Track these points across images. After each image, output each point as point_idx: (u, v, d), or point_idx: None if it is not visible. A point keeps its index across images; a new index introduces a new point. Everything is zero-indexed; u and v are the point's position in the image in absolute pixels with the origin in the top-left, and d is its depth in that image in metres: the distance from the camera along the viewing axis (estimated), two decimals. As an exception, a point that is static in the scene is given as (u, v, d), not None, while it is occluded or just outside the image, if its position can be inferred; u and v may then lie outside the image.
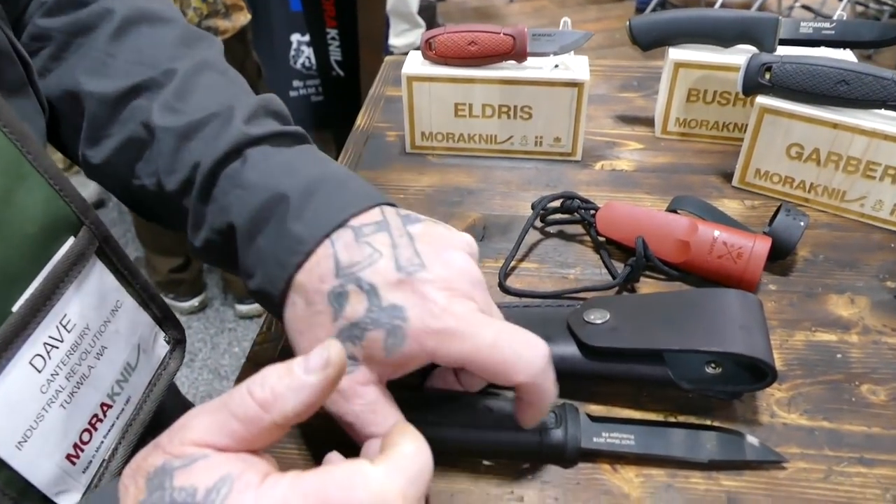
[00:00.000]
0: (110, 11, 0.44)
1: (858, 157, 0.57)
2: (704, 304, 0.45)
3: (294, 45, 2.46)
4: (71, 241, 0.37)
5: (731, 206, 0.62)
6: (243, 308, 1.92)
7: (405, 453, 0.29)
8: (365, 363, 0.35)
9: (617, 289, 0.53)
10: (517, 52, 0.64)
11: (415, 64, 0.66)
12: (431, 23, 3.35)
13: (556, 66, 0.65)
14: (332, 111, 2.42)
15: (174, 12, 0.48)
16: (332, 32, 2.24)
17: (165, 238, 1.79)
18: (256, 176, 0.38)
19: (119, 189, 0.46)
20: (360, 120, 0.77)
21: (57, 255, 0.35)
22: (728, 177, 0.65)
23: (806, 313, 0.51)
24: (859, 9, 3.14)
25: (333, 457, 0.33)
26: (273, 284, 0.36)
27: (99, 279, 0.39)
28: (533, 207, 0.58)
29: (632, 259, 0.52)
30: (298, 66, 2.49)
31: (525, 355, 0.34)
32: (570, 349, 0.44)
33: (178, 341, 0.47)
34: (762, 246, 0.51)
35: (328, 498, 0.26)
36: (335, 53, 2.29)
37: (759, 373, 0.42)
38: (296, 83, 2.54)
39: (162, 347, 0.46)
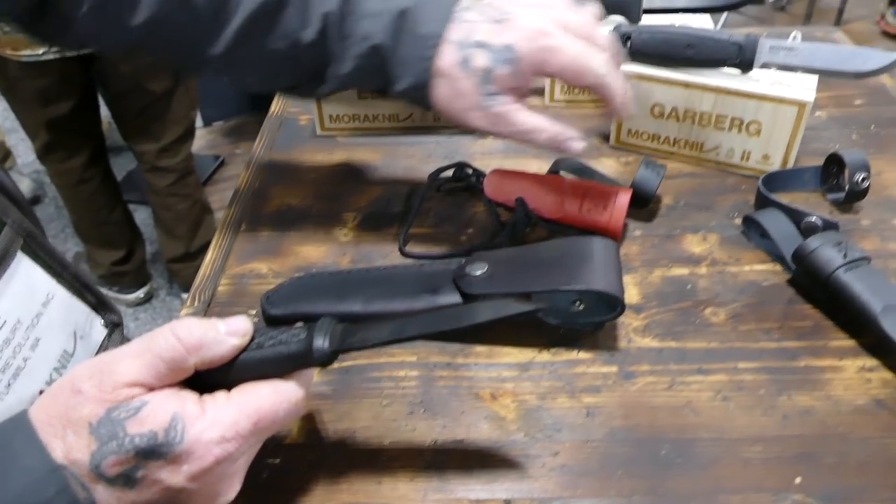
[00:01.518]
0: None
1: (709, 111, 0.65)
2: (569, 250, 0.52)
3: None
4: None
5: (608, 163, 0.70)
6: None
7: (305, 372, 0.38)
8: (504, 90, 0.49)
9: (503, 244, 0.59)
10: (407, 36, 0.69)
11: (315, 52, 0.71)
12: None
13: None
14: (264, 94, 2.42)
15: None
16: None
17: (105, 230, 1.79)
18: (375, 4, 0.50)
19: (250, 68, 0.53)
20: (275, 106, 0.82)
21: None
22: (607, 138, 0.72)
23: (664, 252, 0.59)
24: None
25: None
26: (422, 77, 0.49)
27: (27, 274, 0.43)
28: (429, 178, 0.65)
29: (513, 218, 0.59)
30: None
31: (591, 64, 0.48)
32: (454, 299, 0.51)
33: (115, 325, 0.52)
34: (623, 197, 0.59)
35: (264, 415, 0.35)
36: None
37: (613, 305, 0.49)
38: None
39: (99, 332, 0.50)
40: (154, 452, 0.33)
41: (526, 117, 0.51)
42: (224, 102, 2.62)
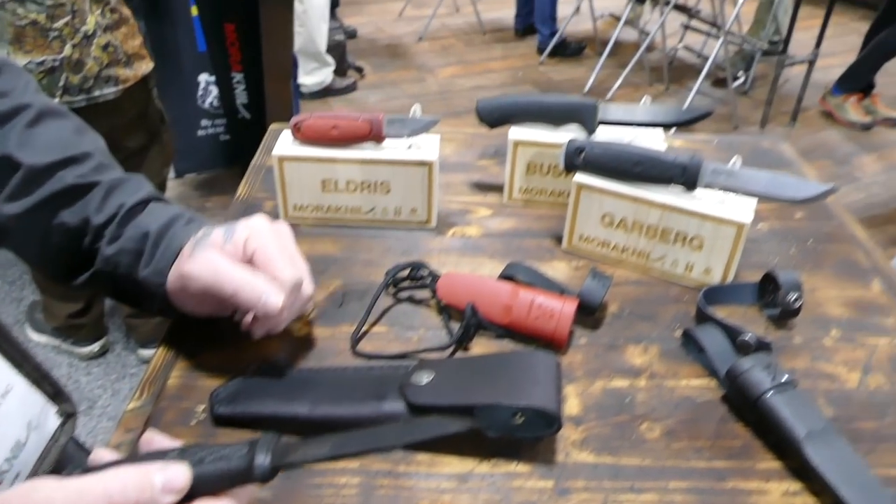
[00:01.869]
0: (27, 105, 0.58)
1: (655, 224, 0.69)
2: (512, 364, 0.54)
3: (202, 85, 2.49)
4: None
5: (559, 267, 0.73)
6: (147, 353, 1.92)
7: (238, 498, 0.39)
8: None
9: (453, 348, 0.61)
10: (374, 135, 0.73)
11: (286, 144, 0.74)
12: (341, 61, 3.43)
13: (410, 146, 0.74)
14: (238, 150, 2.46)
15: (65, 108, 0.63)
16: (238, 76, 2.28)
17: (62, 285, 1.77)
18: (157, 216, 0.58)
19: (31, 233, 0.58)
20: (241, 189, 0.84)
21: None
22: (560, 240, 0.76)
23: (606, 363, 0.61)
24: (732, 48, 3.43)
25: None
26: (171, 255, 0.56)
27: None
28: (386, 276, 0.67)
29: (464, 321, 0.61)
30: (206, 105, 2.52)
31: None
32: (399, 408, 0.52)
33: (69, 415, 0.52)
34: (569, 307, 0.61)
35: None
36: (241, 96, 2.33)
37: (551, 422, 0.51)
38: (204, 122, 2.56)
39: (53, 422, 0.50)
40: None
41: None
42: (197, 155, 2.64)
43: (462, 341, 0.61)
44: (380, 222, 0.77)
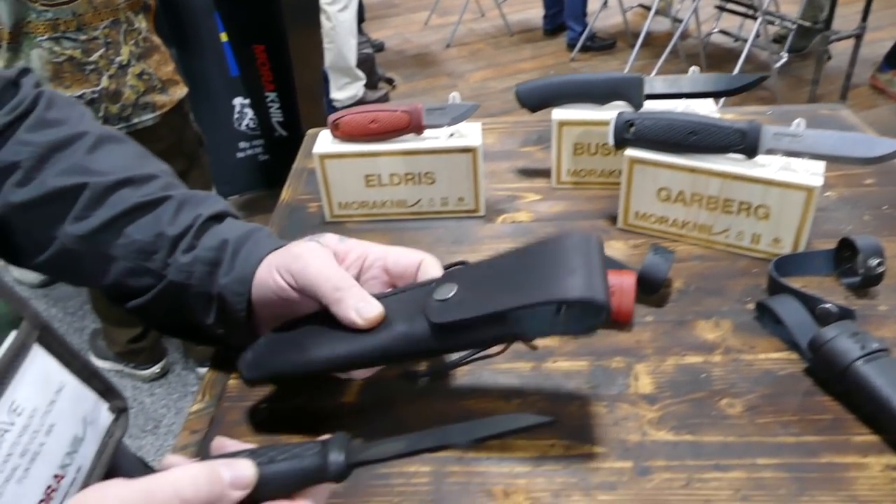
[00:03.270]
0: (84, 132, 0.57)
1: (716, 195, 0.66)
2: (543, 254, 0.45)
3: (237, 109, 2.53)
4: (13, 335, 0.42)
5: (616, 246, 0.70)
6: (204, 371, 1.94)
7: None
8: None
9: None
10: (414, 126, 0.71)
11: (325, 143, 0.73)
12: (371, 73, 3.46)
13: (451, 134, 0.72)
14: (278, 170, 2.48)
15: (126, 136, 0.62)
16: (272, 96, 2.31)
17: (119, 309, 1.81)
18: (235, 227, 0.56)
19: (98, 254, 0.55)
20: (285, 193, 0.83)
21: (1, 350, 0.40)
22: (615, 219, 0.73)
23: (676, 339, 0.58)
24: (772, 29, 3.34)
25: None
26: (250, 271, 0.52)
27: (42, 365, 0.44)
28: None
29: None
30: (243, 127, 2.56)
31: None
32: (426, 330, 0.46)
33: (121, 410, 0.52)
34: (629, 280, 0.58)
35: None
36: (276, 115, 2.36)
37: (597, 311, 0.42)
38: (242, 144, 2.60)
39: (106, 418, 0.50)
40: None
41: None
42: (237, 178, 2.68)
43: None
44: (427, 214, 0.76)
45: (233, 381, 0.58)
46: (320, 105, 2.48)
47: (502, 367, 0.57)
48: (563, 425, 0.51)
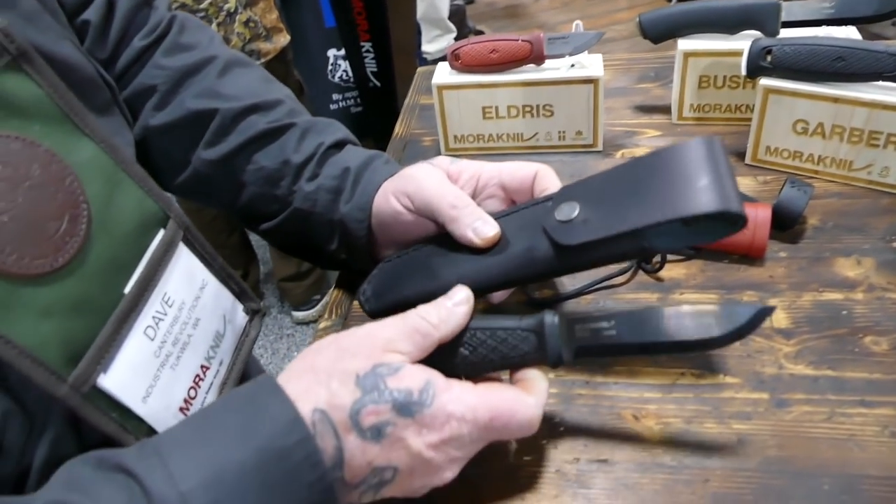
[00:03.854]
0: (214, 56, 0.59)
1: (861, 127, 0.61)
2: (667, 165, 0.42)
3: (331, 60, 2.56)
4: (161, 232, 0.44)
5: (744, 182, 0.67)
6: (300, 314, 2.02)
7: (542, 389, 0.41)
8: None
9: (631, 273, 0.58)
10: (535, 56, 0.70)
11: (443, 74, 0.73)
12: (462, 26, 3.41)
13: (573, 65, 0.71)
14: (371, 121, 2.51)
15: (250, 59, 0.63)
16: (366, 45, 2.32)
17: (224, 253, 1.88)
18: (356, 154, 0.57)
19: (229, 179, 0.58)
20: (398, 128, 0.84)
21: (152, 245, 0.43)
22: (742, 155, 0.69)
23: (813, 276, 0.56)
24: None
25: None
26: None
27: (187, 262, 0.47)
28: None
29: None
30: (336, 79, 2.59)
31: None
32: (547, 250, 0.45)
33: (255, 311, 0.55)
34: (764, 214, 0.56)
35: (500, 414, 0.38)
36: (370, 65, 2.37)
37: (732, 219, 0.40)
38: (335, 96, 2.64)
39: (242, 318, 0.53)
40: (406, 409, 0.36)
41: None
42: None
43: (647, 269, 0.57)
44: (543, 148, 0.75)
45: (357, 302, 0.59)
46: (413, 57, 2.47)
47: (627, 298, 0.56)
48: (694, 355, 0.50)
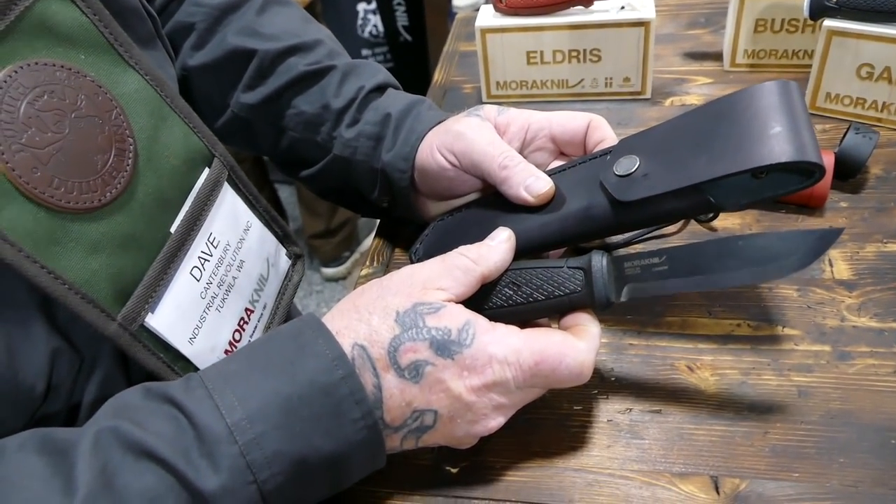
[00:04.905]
0: None
1: (932, 72, 0.58)
2: (736, 112, 0.39)
3: (361, 15, 2.51)
4: (206, 171, 0.43)
5: (802, 131, 0.64)
6: (329, 271, 2.03)
7: (594, 333, 0.38)
8: None
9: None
10: (583, -2, 0.67)
11: (487, 17, 0.70)
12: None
13: (622, 7, 0.67)
14: (401, 76, 2.47)
15: None
16: (398, -2, 2.28)
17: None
18: (397, 99, 0.55)
19: (268, 123, 0.57)
20: (437, 75, 0.82)
21: (198, 183, 0.42)
22: (799, 103, 0.66)
23: (877, 227, 0.53)
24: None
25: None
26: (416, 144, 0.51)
27: (232, 203, 0.46)
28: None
29: (702, 185, 0.55)
30: (366, 34, 2.55)
31: None
32: (604, 206, 0.43)
33: (297, 256, 0.54)
34: (826, 161, 0.53)
35: (547, 357, 0.36)
36: (402, 19, 2.33)
37: (808, 170, 0.38)
38: (364, 52, 2.60)
39: (285, 262, 0.52)
40: (445, 348, 0.35)
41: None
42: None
43: (701, 219, 0.55)
44: (589, 95, 0.72)
45: (399, 249, 0.58)
46: (445, 11, 2.41)
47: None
48: (750, 306, 0.48)
